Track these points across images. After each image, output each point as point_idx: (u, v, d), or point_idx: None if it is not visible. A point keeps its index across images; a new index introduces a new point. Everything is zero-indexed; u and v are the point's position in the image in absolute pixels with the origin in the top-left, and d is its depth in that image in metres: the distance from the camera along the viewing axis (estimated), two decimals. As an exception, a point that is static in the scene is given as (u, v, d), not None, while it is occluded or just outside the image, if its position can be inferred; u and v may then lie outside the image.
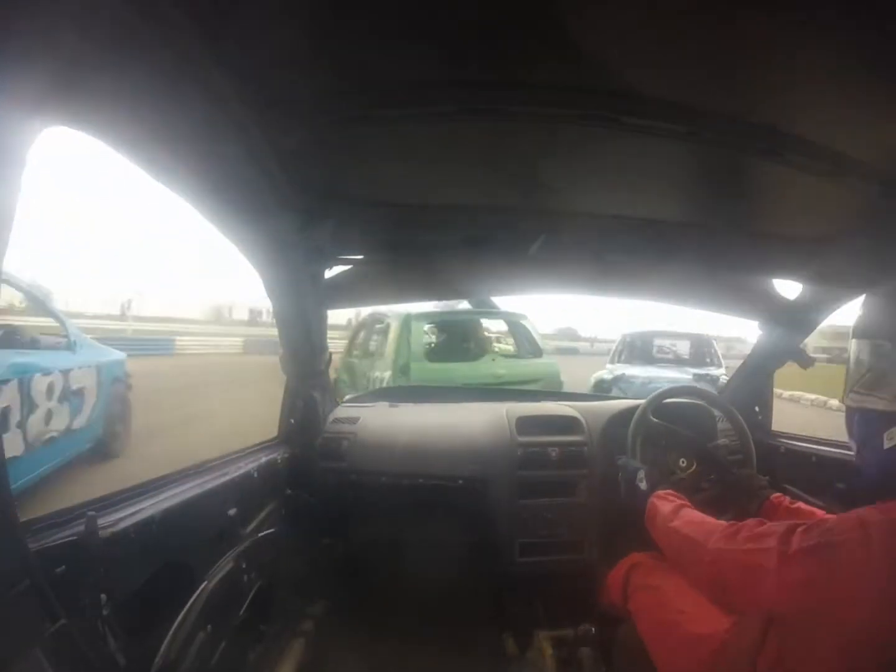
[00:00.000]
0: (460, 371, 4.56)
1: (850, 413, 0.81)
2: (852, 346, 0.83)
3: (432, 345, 5.22)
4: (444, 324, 5.39)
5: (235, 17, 0.65)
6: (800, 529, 0.71)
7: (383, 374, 4.40)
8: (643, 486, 1.16)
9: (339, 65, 0.76)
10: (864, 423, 0.78)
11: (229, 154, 0.88)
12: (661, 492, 1.11)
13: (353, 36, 0.70)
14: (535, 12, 0.66)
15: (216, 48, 0.68)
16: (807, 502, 1.34)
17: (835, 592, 0.65)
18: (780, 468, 1.55)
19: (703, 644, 0.90)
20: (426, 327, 4.98)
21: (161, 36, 0.63)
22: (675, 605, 1.01)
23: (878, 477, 0.76)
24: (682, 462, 1.38)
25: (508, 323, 5.57)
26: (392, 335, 4.55)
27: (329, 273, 1.46)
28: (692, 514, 1.00)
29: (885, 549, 0.63)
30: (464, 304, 5.30)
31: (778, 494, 1.29)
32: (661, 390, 1.53)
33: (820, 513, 1.14)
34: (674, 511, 1.01)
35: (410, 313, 4.56)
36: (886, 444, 0.71)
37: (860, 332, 0.82)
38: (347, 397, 2.20)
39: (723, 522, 0.90)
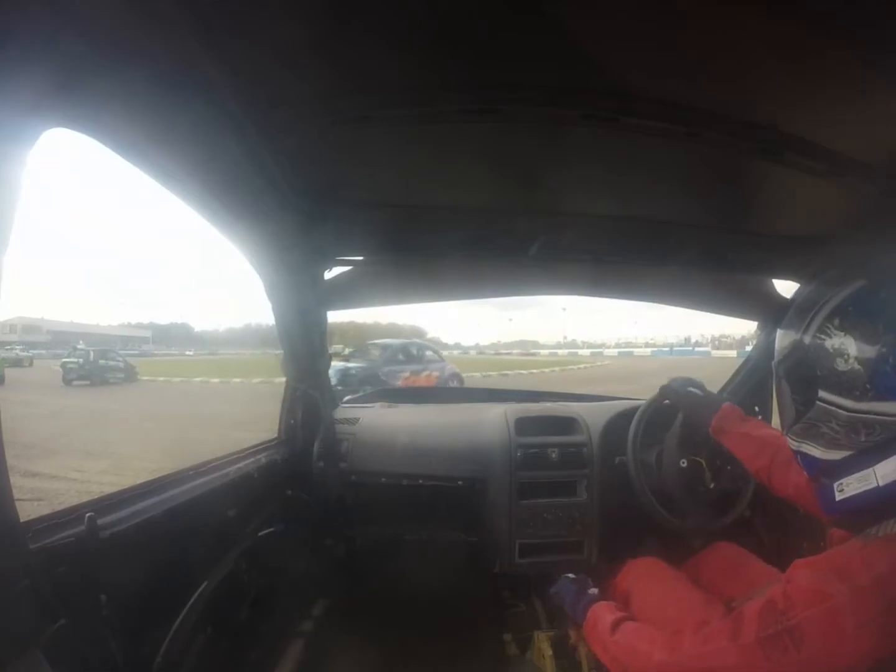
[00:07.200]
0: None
1: (793, 451, 0.76)
2: (779, 384, 0.78)
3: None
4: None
5: (235, 17, 0.65)
6: (751, 617, 0.68)
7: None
8: (591, 592, 1.11)
9: (339, 65, 0.76)
10: (807, 464, 0.74)
11: (229, 155, 0.88)
12: (603, 602, 1.06)
13: (353, 36, 0.70)
14: (535, 13, 0.66)
15: (216, 49, 0.68)
16: None
17: None
18: None
19: None
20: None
21: (161, 37, 0.63)
22: (671, 610, 1.00)
23: (837, 519, 0.73)
24: (683, 462, 1.37)
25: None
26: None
27: (329, 274, 1.46)
28: (632, 626, 0.94)
29: (856, 623, 0.58)
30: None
31: None
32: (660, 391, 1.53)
33: None
34: (615, 623, 0.95)
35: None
36: (838, 497, 0.68)
37: (787, 373, 0.75)
38: (347, 398, 2.20)
39: (663, 633, 0.84)
